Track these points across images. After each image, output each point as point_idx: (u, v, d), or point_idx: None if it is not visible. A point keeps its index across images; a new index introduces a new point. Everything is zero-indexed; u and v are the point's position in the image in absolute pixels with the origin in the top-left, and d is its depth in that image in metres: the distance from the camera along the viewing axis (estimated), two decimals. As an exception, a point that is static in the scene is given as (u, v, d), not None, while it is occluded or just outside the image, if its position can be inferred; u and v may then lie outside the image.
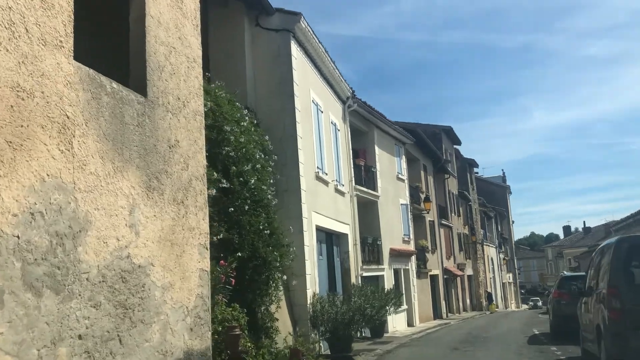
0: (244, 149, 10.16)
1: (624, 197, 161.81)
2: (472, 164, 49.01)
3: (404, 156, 25.31)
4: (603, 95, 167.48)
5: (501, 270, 60.74)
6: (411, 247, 24.28)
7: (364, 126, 21.13)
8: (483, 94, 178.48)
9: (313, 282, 12.88)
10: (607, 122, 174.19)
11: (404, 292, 22.67)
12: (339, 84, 17.49)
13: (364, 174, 20.23)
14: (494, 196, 65.97)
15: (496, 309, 46.78)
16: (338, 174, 16.83)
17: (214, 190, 8.98)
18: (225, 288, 8.47)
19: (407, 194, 24.99)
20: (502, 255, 63.48)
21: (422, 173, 29.30)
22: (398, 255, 22.13)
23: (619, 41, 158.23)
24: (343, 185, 17.26)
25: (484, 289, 44.83)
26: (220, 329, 7.97)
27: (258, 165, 10.57)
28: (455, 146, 42.32)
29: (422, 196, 26.43)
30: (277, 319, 10.37)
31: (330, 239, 16.07)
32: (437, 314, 28.96)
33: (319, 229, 14.31)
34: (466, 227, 42.63)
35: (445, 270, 31.67)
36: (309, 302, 12.32)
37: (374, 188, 20.85)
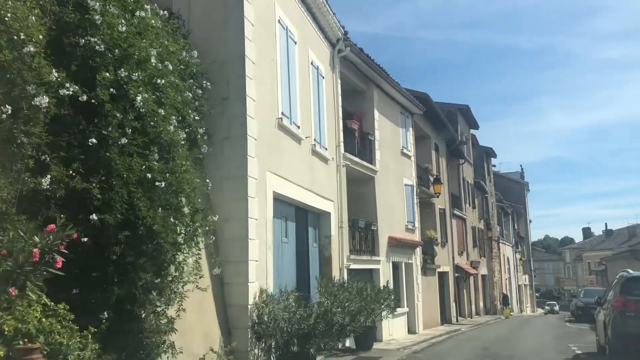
0: (130, 48, 6.11)
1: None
2: (489, 153, 44.63)
3: (411, 129, 21.14)
4: (622, 99, 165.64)
5: (517, 272, 56.41)
6: (416, 237, 20.14)
7: (362, 83, 17.01)
8: (500, 94, 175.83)
9: (262, 274, 8.81)
10: (627, 126, 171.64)
11: (404, 290, 18.57)
12: (326, 17, 13.40)
13: (358, 142, 16.13)
14: (511, 193, 61.95)
15: (511, 314, 42.49)
16: (319, 133, 12.76)
17: (46, 99, 5.01)
18: (40, 271, 4.46)
19: (414, 173, 20.83)
20: (518, 256, 59.18)
21: (434, 153, 25.11)
22: (399, 246, 18.01)
23: (639, 44, 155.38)
24: (326, 150, 13.19)
25: (499, 291, 40.54)
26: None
27: (161, 81, 6.52)
28: (472, 131, 38.01)
29: (432, 178, 22.20)
30: (176, 330, 6.30)
31: (303, 217, 12.01)
32: (445, 318, 24.78)
33: (281, 199, 10.25)
34: (481, 221, 38.34)
35: (457, 268, 27.49)
36: (251, 302, 8.27)
37: (371, 160, 16.74)
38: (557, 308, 66.08)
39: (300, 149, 11.35)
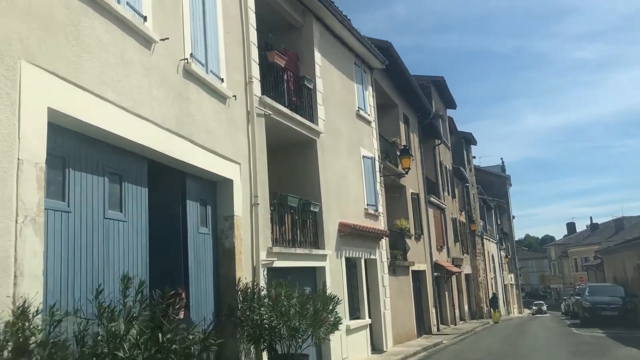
0: None
1: (619, 199, 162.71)
2: (468, 139, 40.36)
3: (370, 88, 16.55)
4: (595, 99, 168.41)
5: (503, 270, 52.22)
6: (380, 225, 15.51)
7: (298, 15, 12.36)
8: (475, 98, 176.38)
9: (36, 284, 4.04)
10: (600, 125, 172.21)
11: (365, 296, 13.90)
12: None
13: (290, 87, 11.46)
14: (493, 187, 58.00)
15: (500, 317, 38.07)
16: (205, 52, 8.04)
17: None
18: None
19: (376, 145, 16.22)
20: (503, 253, 55.04)
21: (402, 126, 20.56)
22: (356, 236, 13.36)
23: (610, 45, 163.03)
24: (222, 82, 8.47)
25: (484, 291, 36.12)
26: None
27: None
28: (449, 114, 33.63)
29: (399, 151, 17.48)
30: None
31: (171, 181, 7.28)
32: (423, 329, 20.16)
33: (102, 136, 5.51)
34: (463, 213, 33.94)
35: (436, 266, 22.94)
36: None
37: (310, 117, 12.08)
38: (545, 308, 62.33)
39: (152, 60, 6.60)
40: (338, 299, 8.57)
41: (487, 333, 21.47)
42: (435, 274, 22.70)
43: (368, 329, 13.79)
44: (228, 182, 8.46)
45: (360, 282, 13.82)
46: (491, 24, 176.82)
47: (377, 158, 16.01)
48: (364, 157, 14.90)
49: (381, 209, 15.98)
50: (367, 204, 14.69)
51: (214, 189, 8.45)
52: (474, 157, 47.93)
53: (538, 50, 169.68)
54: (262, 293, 8.07)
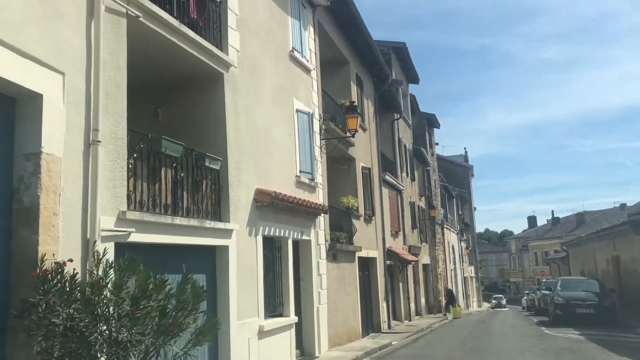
0: None
1: (579, 197, 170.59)
2: (431, 121, 37.63)
3: (312, 29, 13.35)
4: (558, 99, 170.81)
5: (463, 262, 50.12)
6: (317, 198, 12.39)
7: None
8: (442, 94, 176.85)
9: None
10: (563, 124, 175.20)
11: (290, 286, 10.78)
12: None
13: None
14: (455, 177, 56.06)
15: (460, 312, 35.62)
16: None
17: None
18: None
19: (316, 100, 13.09)
20: (464, 244, 52.98)
21: (355, 89, 17.46)
22: (281, 209, 10.21)
23: (574, 47, 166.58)
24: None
25: (443, 283, 33.58)
26: None
27: None
28: (411, 91, 30.79)
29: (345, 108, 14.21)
30: None
31: None
32: (370, 326, 17.24)
33: None
34: (422, 198, 31.21)
35: (389, 253, 20.03)
36: None
37: (217, 43, 8.81)
38: (504, 302, 60.81)
39: None
40: (204, 293, 5.34)
41: (445, 331, 18.68)
42: (388, 262, 19.79)
43: (293, 330, 10.69)
44: (35, 99, 5.18)
45: (285, 269, 10.69)
46: (460, 21, 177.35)
47: (316, 116, 12.87)
48: (298, 111, 11.73)
49: (320, 179, 12.86)
50: (301, 171, 11.55)
51: (10, 109, 5.16)
52: (437, 144, 45.46)
53: (505, 49, 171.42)
54: (78, 280, 4.84)
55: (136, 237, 6.38)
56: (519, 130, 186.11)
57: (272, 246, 10.38)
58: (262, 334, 9.25)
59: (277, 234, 10.27)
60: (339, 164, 16.18)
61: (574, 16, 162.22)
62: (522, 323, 20.85)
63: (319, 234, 12.48)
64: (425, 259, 30.06)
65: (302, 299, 11.80)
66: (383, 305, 18.58)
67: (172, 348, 5.01)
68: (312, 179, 12.15)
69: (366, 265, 17.55)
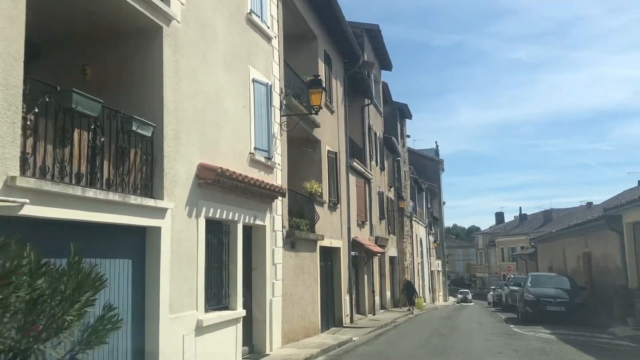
0: None
1: (546, 195, 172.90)
2: (404, 111, 36.67)
3: (275, -6, 12.13)
4: (527, 98, 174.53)
5: (430, 256, 49.59)
6: (275, 180, 11.20)
7: None
8: (414, 90, 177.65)
9: None
10: (531, 123, 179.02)
11: (238, 276, 9.60)
12: None
13: None
14: (426, 171, 55.61)
15: (424, 305, 34.93)
16: None
17: None
18: None
19: (277, 71, 11.88)
20: (432, 238, 52.50)
21: (323, 67, 16.27)
22: (230, 189, 9.01)
23: (544, 48, 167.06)
24: None
25: (410, 276, 32.80)
26: None
27: None
28: (384, 79, 29.76)
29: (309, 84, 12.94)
30: None
31: None
32: (331, 320, 16.21)
33: None
34: (392, 189, 30.30)
35: (355, 244, 18.99)
36: None
37: (155, -10, 7.54)
38: (470, 296, 60.80)
39: None
40: (99, 281, 4.12)
41: (410, 327, 17.76)
42: (353, 253, 18.75)
43: (241, 324, 9.53)
44: None
45: (234, 256, 9.50)
46: (434, 18, 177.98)
47: (277, 89, 11.67)
48: (255, 81, 10.51)
49: (279, 159, 11.68)
50: (255, 148, 10.35)
51: None
52: (409, 136, 44.65)
53: (477, 47, 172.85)
54: None
55: (32, 211, 5.13)
56: (489, 128, 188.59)
57: (218, 231, 9.18)
58: (201, 329, 8.07)
59: (224, 217, 9.08)
60: (303, 145, 15.04)
61: (545, 18, 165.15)
62: (490, 320, 20.07)
63: (276, 219, 11.31)
64: (392, 251, 29.18)
65: (254, 290, 10.66)
66: (346, 299, 17.55)
67: (52, 353, 3.78)
68: (269, 158, 10.96)
69: (329, 255, 16.47)
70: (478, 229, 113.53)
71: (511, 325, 16.40)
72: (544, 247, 30.87)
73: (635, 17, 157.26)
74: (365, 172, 21.94)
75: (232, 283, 9.41)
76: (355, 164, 19.77)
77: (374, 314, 21.69)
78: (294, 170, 14.90)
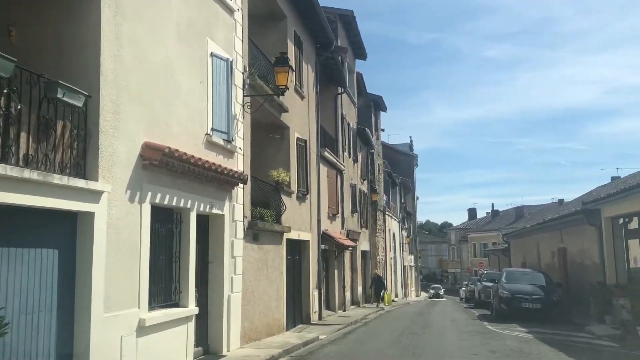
0: None
1: (518, 192, 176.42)
2: (378, 103, 35.99)
3: (239, -37, 11.15)
4: (500, 97, 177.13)
5: (403, 251, 49.15)
6: (234, 164, 10.27)
7: None
8: (389, 86, 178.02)
9: None
10: (503, 122, 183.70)
11: (190, 270, 8.66)
12: None
13: None
14: (399, 166, 55.18)
15: (394, 300, 34.37)
16: None
17: None
18: None
19: (241, 47, 10.94)
20: (405, 233, 52.04)
21: (293, 49, 15.34)
22: (181, 173, 8.06)
23: (518, 47, 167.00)
24: None
25: (382, 271, 32.18)
26: None
27: None
28: (359, 71, 28.96)
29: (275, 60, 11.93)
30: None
31: None
32: (298, 317, 15.37)
33: None
34: (365, 182, 29.57)
35: (325, 237, 18.18)
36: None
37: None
38: (442, 292, 60.74)
39: None
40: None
41: (380, 324, 17.02)
42: (323, 246, 17.92)
43: (193, 323, 8.61)
44: None
45: (186, 248, 8.55)
46: (411, 15, 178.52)
47: (239, 66, 10.72)
48: (214, 55, 9.56)
49: (241, 143, 10.75)
50: (213, 129, 9.41)
51: None
52: (383, 130, 44.01)
53: (452, 45, 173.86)
54: None
55: None
56: (463, 126, 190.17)
57: (168, 219, 8.24)
58: (144, 329, 7.14)
59: (175, 204, 8.13)
60: (270, 131, 14.13)
61: (519, 17, 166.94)
62: (463, 316, 19.45)
63: (236, 208, 10.39)
64: (364, 245, 28.48)
65: (211, 285, 9.74)
66: (314, 294, 16.73)
67: None
68: (229, 141, 10.03)
69: (296, 248, 15.62)
70: (451, 225, 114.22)
71: (485, 323, 15.76)
72: (517, 243, 30.50)
73: (605, 19, 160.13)
74: (338, 163, 21.13)
75: (183, 278, 8.48)
76: (326, 153, 18.93)
77: (345, 310, 20.93)
78: (260, 157, 14.01)
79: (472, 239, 78.35)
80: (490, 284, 22.31)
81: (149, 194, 7.42)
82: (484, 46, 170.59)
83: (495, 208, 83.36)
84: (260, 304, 11.71)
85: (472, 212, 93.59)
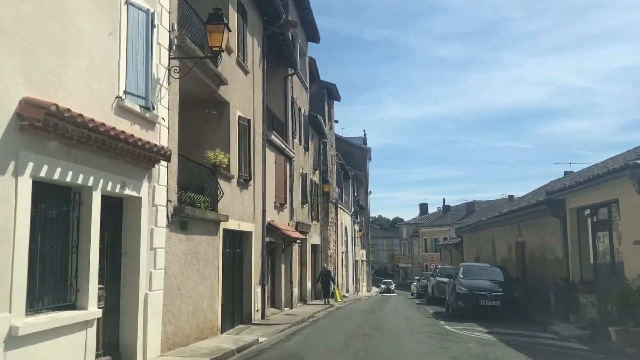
0: None
1: (468, 189, 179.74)
2: (332, 91, 34.64)
3: None
4: (450, 96, 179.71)
5: (355, 245, 48.10)
6: (155, 137, 8.58)
7: None
8: (342, 82, 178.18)
9: None
10: (453, 120, 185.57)
11: (92, 260, 6.95)
12: None
13: None
14: (353, 159, 54.25)
15: (345, 296, 33.17)
16: None
17: None
18: None
19: (168, 2, 9.24)
20: (357, 227, 51.03)
21: (237, 19, 13.66)
22: (81, 142, 6.36)
23: (468, 47, 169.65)
24: None
25: (334, 265, 30.89)
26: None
27: None
28: (311, 56, 27.48)
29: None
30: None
31: None
32: (238, 317, 13.80)
33: None
34: (317, 172, 28.14)
35: (271, 228, 16.64)
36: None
37: None
38: (393, 287, 60.28)
39: None
40: None
41: (329, 324, 15.63)
42: (269, 238, 16.37)
43: (94, 329, 6.93)
44: None
45: (86, 236, 6.86)
46: (365, 12, 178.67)
47: (165, 23, 9.03)
48: (129, 3, 7.86)
49: (165, 113, 9.08)
50: (127, 92, 7.71)
51: None
52: (337, 122, 42.71)
53: (405, 43, 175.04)
54: None
55: None
56: (414, 124, 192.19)
57: (62, 200, 6.55)
58: (17, 340, 5.46)
59: (71, 181, 6.44)
60: (207, 106, 12.47)
61: (470, 18, 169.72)
62: (417, 315, 18.25)
63: (158, 190, 8.74)
64: (315, 238, 27.07)
65: (123, 282, 8.07)
66: (257, 291, 15.17)
67: None
68: (148, 109, 8.35)
69: (237, 240, 14.02)
70: (402, 220, 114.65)
71: (442, 322, 14.54)
72: (470, 237, 29.72)
73: (552, 23, 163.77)
74: (287, 149, 19.59)
75: (82, 273, 6.79)
76: (274, 137, 17.35)
77: (292, 308, 19.45)
78: (194, 136, 12.43)
79: (424, 234, 78.28)
80: (445, 280, 21.27)
81: (30, 164, 5.71)
82: (436, 46, 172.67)
83: (446, 203, 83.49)
84: (189, 303, 10.10)
85: (423, 207, 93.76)
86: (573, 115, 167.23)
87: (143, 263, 8.22)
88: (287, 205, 20.03)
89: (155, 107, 8.57)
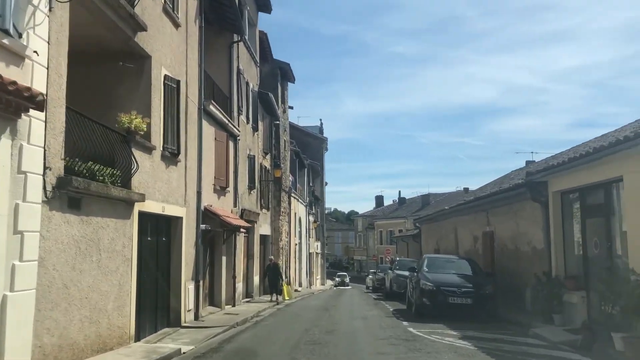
0: None
1: (423, 183, 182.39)
2: (285, 71, 32.24)
3: None
4: (406, 92, 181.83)
5: (309, 237, 46.07)
6: (23, 77, 6.15)
7: None
8: (299, 76, 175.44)
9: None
10: (409, 116, 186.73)
11: None
12: None
13: None
14: (309, 149, 52.26)
15: (297, 290, 31.04)
16: None
17: None
18: None
19: None
20: (312, 218, 49.03)
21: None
22: None
23: (424, 44, 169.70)
24: None
25: (286, 258, 28.66)
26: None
27: None
28: (263, 30, 25.05)
29: None
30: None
31: None
32: (163, 318, 11.39)
33: None
34: (267, 157, 25.78)
35: (208, 215, 14.26)
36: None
37: None
38: (347, 280, 58.89)
39: None
40: None
41: (274, 326, 13.38)
42: (205, 226, 13.98)
43: None
44: None
45: None
46: (323, 5, 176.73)
47: None
48: None
49: (42, 47, 6.61)
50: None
51: None
52: (292, 108, 40.35)
53: (362, 39, 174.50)
54: None
55: None
56: (370, 118, 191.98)
57: None
58: None
59: None
60: (121, 59, 9.98)
61: (426, 15, 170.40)
62: (376, 313, 16.14)
63: (27, 151, 6.28)
64: (265, 228, 24.77)
65: (-32, 279, 5.62)
66: (189, 287, 12.80)
67: None
68: (12, 36, 5.89)
69: (162, 226, 11.60)
70: (357, 213, 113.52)
71: (405, 324, 12.46)
72: (429, 228, 27.98)
73: (504, 22, 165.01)
74: (230, 125, 17.18)
75: None
76: (213, 108, 14.93)
77: (234, 306, 17.13)
78: (108, 97, 9.99)
79: (379, 226, 77.01)
80: (405, 273, 19.30)
81: None
82: (391, 41, 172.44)
83: (402, 196, 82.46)
84: (85, 305, 7.68)
85: (379, 200, 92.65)
86: (523, 113, 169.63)
87: (2, 253, 5.79)
88: (231, 189, 17.66)
89: (21, 36, 6.11)
